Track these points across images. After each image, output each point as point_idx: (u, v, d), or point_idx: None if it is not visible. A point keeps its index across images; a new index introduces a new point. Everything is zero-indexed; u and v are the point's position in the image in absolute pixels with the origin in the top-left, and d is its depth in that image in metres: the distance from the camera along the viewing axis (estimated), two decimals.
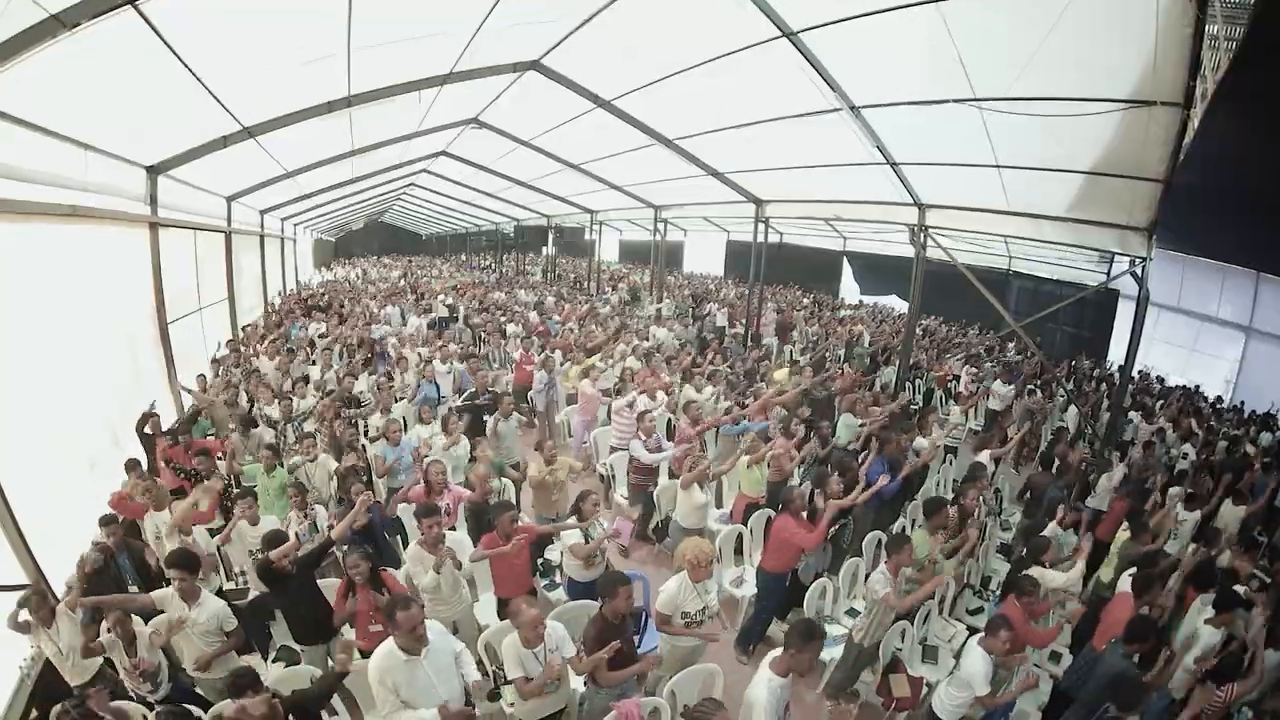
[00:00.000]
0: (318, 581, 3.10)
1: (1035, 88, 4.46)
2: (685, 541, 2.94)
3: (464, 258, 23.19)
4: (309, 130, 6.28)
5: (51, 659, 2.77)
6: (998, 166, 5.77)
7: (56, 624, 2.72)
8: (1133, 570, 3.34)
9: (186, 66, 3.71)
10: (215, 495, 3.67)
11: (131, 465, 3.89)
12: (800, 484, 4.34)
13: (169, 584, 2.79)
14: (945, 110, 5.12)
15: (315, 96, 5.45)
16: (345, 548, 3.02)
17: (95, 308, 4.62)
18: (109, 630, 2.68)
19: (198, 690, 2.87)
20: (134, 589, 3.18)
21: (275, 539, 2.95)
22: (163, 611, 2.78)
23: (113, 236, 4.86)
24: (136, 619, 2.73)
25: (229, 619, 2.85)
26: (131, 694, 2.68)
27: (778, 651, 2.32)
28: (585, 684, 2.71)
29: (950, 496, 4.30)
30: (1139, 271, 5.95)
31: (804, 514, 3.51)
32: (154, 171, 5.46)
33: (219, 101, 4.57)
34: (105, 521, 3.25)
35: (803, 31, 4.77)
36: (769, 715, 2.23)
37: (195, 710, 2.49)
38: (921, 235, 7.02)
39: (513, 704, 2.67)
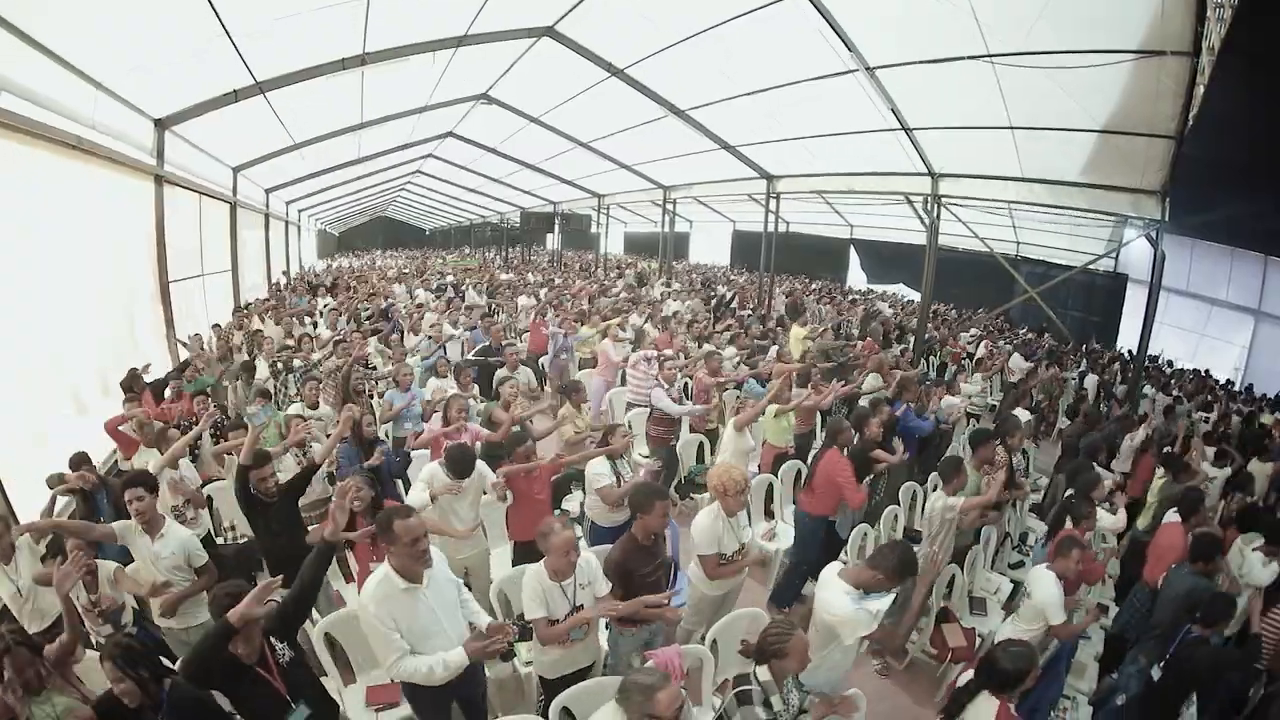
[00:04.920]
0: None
1: (1047, 41, 4.46)
2: (714, 468, 2.76)
3: (468, 251, 23.18)
4: (319, 95, 6.23)
5: (7, 601, 2.44)
6: (1011, 128, 5.75)
7: (16, 560, 2.45)
8: (1175, 509, 3.23)
9: None
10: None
11: (130, 385, 3.70)
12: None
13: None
14: (959, 69, 5.10)
15: (330, 52, 5.40)
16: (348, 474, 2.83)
17: (95, 253, 4.51)
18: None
19: (167, 642, 2.53)
20: None
21: (261, 459, 2.70)
22: (124, 546, 2.49)
23: (117, 182, 4.77)
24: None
25: (198, 553, 2.53)
26: (93, 640, 2.38)
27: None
28: (608, 628, 2.44)
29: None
30: (1153, 235, 5.92)
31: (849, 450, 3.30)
32: (162, 126, 5.39)
33: (233, 44, 4.50)
34: (76, 464, 3.01)
35: None
36: (858, 620, 2.03)
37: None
38: (934, 206, 6.99)
39: (529, 662, 2.39)
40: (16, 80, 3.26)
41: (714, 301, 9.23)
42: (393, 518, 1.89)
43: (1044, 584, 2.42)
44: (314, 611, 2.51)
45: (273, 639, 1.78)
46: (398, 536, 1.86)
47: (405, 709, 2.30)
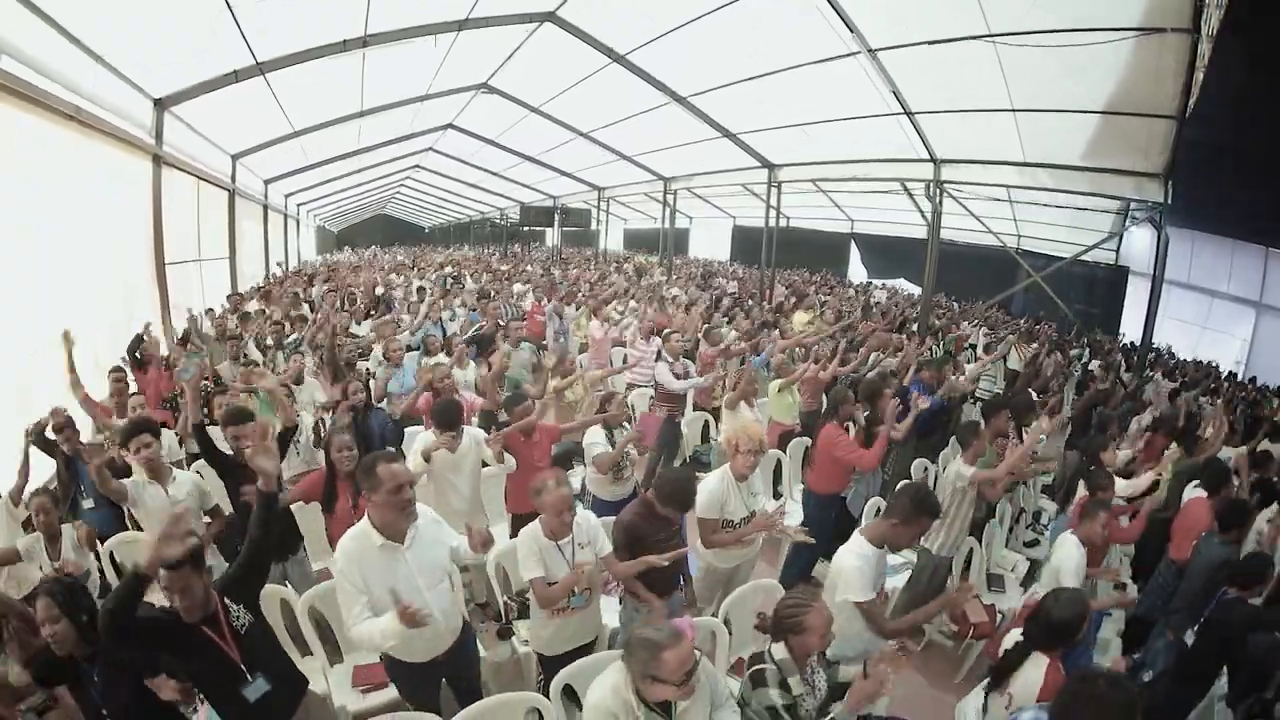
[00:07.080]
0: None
1: (1049, 20, 4.46)
2: (732, 428, 2.68)
3: (466, 248, 23.20)
4: (320, 80, 6.21)
5: None
6: (1013, 110, 5.74)
7: None
8: (1195, 483, 3.17)
9: None
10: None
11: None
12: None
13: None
14: (961, 50, 5.10)
15: (332, 33, 5.38)
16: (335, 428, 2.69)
17: (92, 232, 4.45)
18: (34, 524, 2.29)
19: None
20: (88, 502, 2.82)
21: (238, 414, 2.59)
22: (109, 514, 2.44)
23: (115, 160, 4.72)
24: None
25: (207, 493, 2.50)
26: None
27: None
28: (621, 601, 2.34)
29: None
30: (1156, 219, 5.92)
31: (854, 425, 3.21)
32: (161, 106, 5.35)
33: (236, 22, 4.47)
34: (60, 426, 2.91)
35: None
36: (862, 582, 1.92)
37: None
38: (937, 193, 6.97)
39: (527, 641, 2.29)
40: (13, 42, 3.21)
41: (716, 295, 9.21)
42: (378, 460, 1.73)
43: (1065, 547, 2.37)
44: (289, 587, 2.43)
45: (227, 600, 1.61)
46: (380, 481, 1.70)
47: (395, 690, 2.15)
